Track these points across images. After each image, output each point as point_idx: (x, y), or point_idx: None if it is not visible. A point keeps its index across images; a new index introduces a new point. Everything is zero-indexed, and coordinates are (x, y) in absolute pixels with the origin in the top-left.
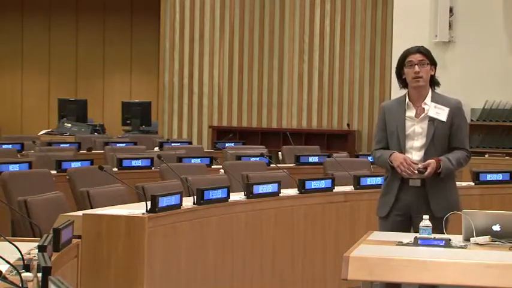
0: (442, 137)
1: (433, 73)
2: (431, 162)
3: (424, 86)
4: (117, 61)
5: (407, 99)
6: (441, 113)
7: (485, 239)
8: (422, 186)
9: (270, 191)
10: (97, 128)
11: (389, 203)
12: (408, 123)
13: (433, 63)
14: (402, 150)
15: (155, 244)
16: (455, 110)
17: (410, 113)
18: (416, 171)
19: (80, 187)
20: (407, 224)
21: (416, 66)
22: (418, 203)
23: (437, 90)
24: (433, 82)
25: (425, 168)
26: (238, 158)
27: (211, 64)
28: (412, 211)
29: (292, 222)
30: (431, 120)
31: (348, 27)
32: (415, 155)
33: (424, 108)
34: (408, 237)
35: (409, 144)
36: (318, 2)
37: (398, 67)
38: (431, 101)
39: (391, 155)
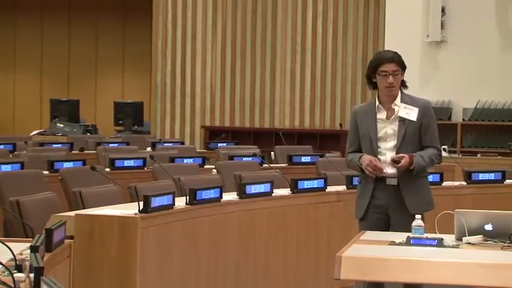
0: (413, 137)
1: (402, 77)
2: (405, 155)
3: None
4: (109, 61)
5: (377, 102)
6: (411, 113)
7: (477, 238)
8: (397, 185)
9: (262, 191)
10: (89, 128)
11: (365, 204)
12: (380, 125)
13: (403, 68)
14: (375, 152)
15: (148, 244)
16: (424, 109)
17: (381, 115)
18: (382, 170)
19: (73, 187)
20: (386, 222)
21: (390, 77)
22: (394, 202)
23: (434, 89)
24: (402, 84)
25: (399, 159)
26: (231, 158)
27: (203, 64)
28: (389, 210)
29: (284, 222)
30: (402, 120)
31: (340, 26)
32: (389, 156)
33: (394, 110)
34: (401, 237)
35: (382, 145)
36: (310, 2)
37: (370, 72)
38: (401, 102)
39: (360, 157)
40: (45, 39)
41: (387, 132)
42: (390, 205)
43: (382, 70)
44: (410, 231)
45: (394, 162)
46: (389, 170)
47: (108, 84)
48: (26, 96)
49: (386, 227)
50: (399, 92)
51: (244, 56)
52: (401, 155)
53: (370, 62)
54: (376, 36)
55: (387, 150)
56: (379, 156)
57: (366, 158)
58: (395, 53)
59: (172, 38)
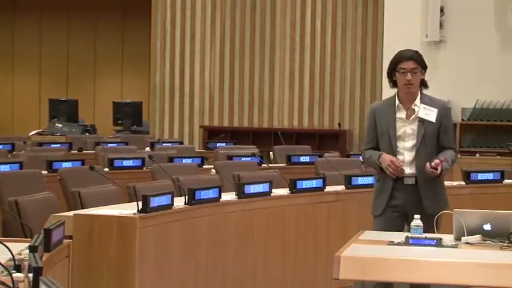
0: (432, 137)
1: (423, 77)
2: (438, 162)
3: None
4: (108, 61)
5: (397, 101)
6: (430, 114)
7: (476, 238)
8: (415, 184)
9: (261, 190)
10: (88, 128)
11: (383, 202)
12: (399, 124)
13: (424, 67)
14: (394, 150)
15: (146, 244)
16: (444, 110)
17: (401, 114)
18: (404, 171)
19: (71, 187)
20: (403, 220)
21: (408, 74)
22: (412, 201)
23: (428, 89)
24: (422, 84)
25: (437, 166)
26: (230, 157)
27: (202, 64)
28: (407, 209)
29: (283, 222)
30: (421, 121)
31: (339, 26)
32: (407, 156)
33: (414, 110)
34: (399, 236)
35: (400, 145)
36: (309, 1)
37: (390, 69)
38: (421, 102)
39: (379, 156)
40: (44, 39)
41: (406, 132)
42: (409, 204)
43: (401, 67)
44: (429, 230)
45: (434, 168)
46: (408, 170)
47: (107, 84)
48: (24, 96)
49: (401, 226)
50: (419, 92)
51: (243, 56)
52: (437, 161)
53: (391, 60)
54: (375, 36)
55: (405, 149)
56: (397, 156)
57: (387, 158)
58: (416, 51)
59: (171, 38)
